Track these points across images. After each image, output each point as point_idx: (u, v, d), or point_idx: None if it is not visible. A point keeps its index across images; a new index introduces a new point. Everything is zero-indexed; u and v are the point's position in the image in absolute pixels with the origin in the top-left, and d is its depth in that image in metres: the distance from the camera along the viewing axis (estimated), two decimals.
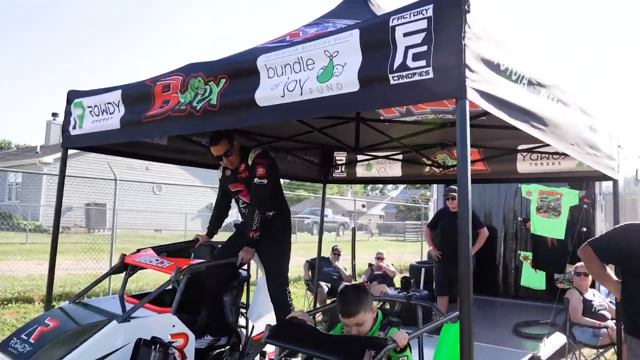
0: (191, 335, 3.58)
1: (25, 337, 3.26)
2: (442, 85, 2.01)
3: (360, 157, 6.05)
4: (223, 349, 4.18)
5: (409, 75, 2.07)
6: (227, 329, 4.32)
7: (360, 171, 6.12)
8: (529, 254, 8.22)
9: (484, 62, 2.13)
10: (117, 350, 3.14)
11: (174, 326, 3.46)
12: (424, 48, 2.05)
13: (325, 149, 6.17)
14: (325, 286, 8.30)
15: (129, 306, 3.61)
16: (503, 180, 5.53)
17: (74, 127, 3.88)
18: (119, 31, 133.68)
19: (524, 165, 5.02)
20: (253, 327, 4.38)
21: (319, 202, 32.70)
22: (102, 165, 11.32)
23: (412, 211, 43.63)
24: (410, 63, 2.07)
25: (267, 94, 2.55)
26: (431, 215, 9.19)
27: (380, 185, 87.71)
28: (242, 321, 4.48)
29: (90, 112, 3.74)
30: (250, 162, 4.25)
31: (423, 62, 2.04)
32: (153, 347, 3.18)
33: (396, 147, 5.15)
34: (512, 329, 6.72)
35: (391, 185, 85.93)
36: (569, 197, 7.54)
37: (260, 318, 4.45)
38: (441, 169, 5.51)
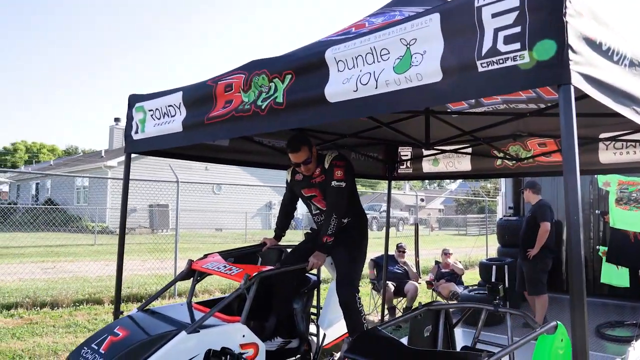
0: (261, 345, 3.44)
1: (96, 347, 3.20)
2: (541, 70, 1.76)
3: (426, 152, 5.78)
4: (294, 356, 4.04)
5: (501, 61, 1.84)
6: (298, 334, 4.17)
7: (427, 166, 5.84)
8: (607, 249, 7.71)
9: (586, 41, 1.88)
10: None
11: (243, 336, 3.33)
12: (517, 29, 1.81)
13: (390, 145, 5.93)
14: (391, 285, 8.08)
15: (197, 314, 3.51)
16: (584, 172, 5.15)
17: (136, 132, 3.82)
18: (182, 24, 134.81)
19: (607, 155, 4.64)
20: (324, 334, 4.22)
21: (377, 197, 32.47)
22: (163, 167, 11.48)
23: (472, 204, 42.67)
24: (501, 47, 1.84)
25: (338, 89, 2.36)
26: (500, 210, 8.79)
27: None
28: (312, 328, 4.31)
29: (152, 115, 3.66)
30: (327, 165, 4.06)
31: (517, 45, 1.80)
32: (223, 358, 3.07)
33: (465, 140, 4.86)
34: (594, 331, 6.29)
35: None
36: None
37: (331, 326, 4.27)
38: (514, 162, 5.17)
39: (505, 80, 1.84)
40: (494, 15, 1.86)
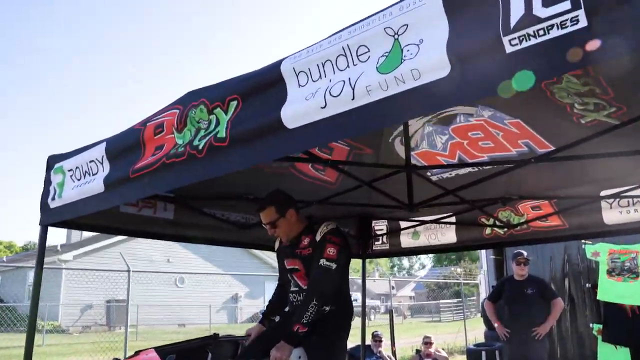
0: None
1: None
2: (609, 35, 1.15)
3: (404, 224, 5.13)
4: None
5: (541, 32, 1.22)
6: None
7: (406, 240, 5.15)
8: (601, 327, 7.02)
9: None
10: None
11: None
12: None
13: (362, 218, 5.28)
14: None
15: None
16: (588, 235, 4.56)
17: (53, 198, 3.07)
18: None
19: (612, 215, 4.05)
20: None
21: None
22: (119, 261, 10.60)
23: (444, 289, 41.81)
24: (539, 11, 1.22)
25: (299, 108, 1.71)
26: (483, 289, 8.11)
27: (407, 266, 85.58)
28: None
29: (71, 176, 2.94)
30: (318, 237, 3.32)
31: (565, 5, 1.19)
32: None
33: (450, 202, 4.23)
34: None
35: (418, 265, 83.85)
36: None
37: None
38: (506, 230, 4.55)
39: (550, 58, 1.21)
40: None
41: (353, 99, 1.55)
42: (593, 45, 1.16)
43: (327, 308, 3.30)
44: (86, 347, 14.68)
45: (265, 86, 1.84)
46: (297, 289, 3.42)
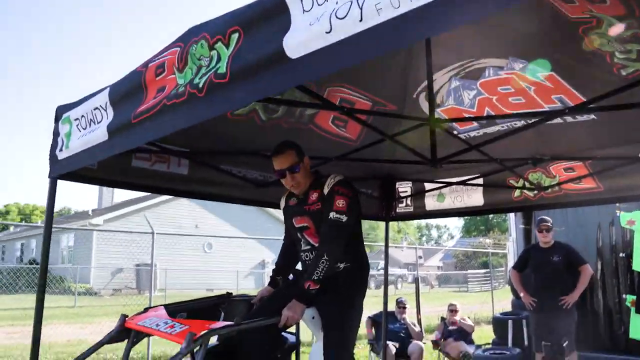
0: None
1: None
2: None
3: (428, 186, 4.94)
4: None
5: None
6: None
7: (431, 203, 4.96)
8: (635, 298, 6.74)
9: None
10: None
11: None
12: None
13: (385, 179, 5.10)
14: (392, 346, 7.08)
15: None
16: (624, 199, 4.30)
17: (61, 149, 2.96)
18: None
19: None
20: None
21: (374, 256, 31.51)
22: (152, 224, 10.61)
23: (472, 260, 41.48)
24: None
25: (302, 35, 1.53)
26: (511, 259, 7.89)
27: (436, 236, 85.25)
28: None
29: (77, 125, 2.82)
30: (326, 190, 3.15)
31: None
32: None
33: (476, 160, 4.01)
34: None
35: (446, 235, 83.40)
36: None
37: None
38: (535, 192, 4.32)
39: None
40: None
41: (361, 20, 1.36)
42: None
43: (342, 265, 3.16)
44: (116, 309, 14.93)
45: (267, 14, 1.66)
46: (309, 247, 3.27)
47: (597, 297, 7.49)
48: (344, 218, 3.04)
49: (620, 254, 7.25)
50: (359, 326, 3.27)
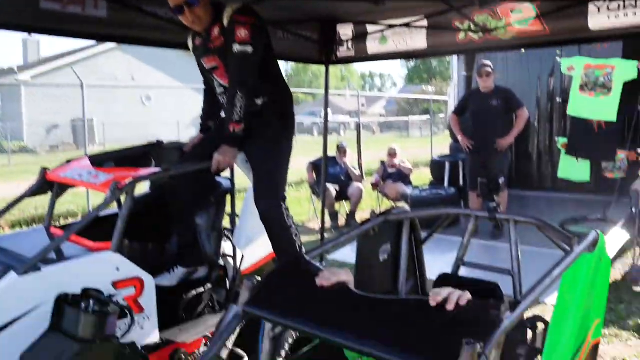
0: (149, 280, 2.47)
1: None
2: None
3: (371, 29, 4.70)
4: (203, 287, 3.06)
5: None
6: (206, 259, 3.15)
7: (373, 46, 4.74)
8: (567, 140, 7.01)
9: None
10: (19, 318, 2.03)
11: (118, 269, 2.33)
12: None
13: (325, 22, 4.81)
14: (333, 189, 7.28)
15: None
16: (568, 42, 4.21)
17: None
18: None
19: (598, 20, 3.67)
20: (242, 256, 3.27)
21: (318, 104, 31.47)
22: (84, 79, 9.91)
23: (413, 107, 42.06)
24: None
25: None
26: (452, 105, 7.95)
27: (379, 84, 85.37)
28: (228, 248, 3.30)
29: None
30: (226, 22, 2.87)
31: None
32: (84, 304, 2.07)
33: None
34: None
35: (390, 83, 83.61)
36: (624, 69, 6.19)
37: (251, 243, 3.38)
38: (481, 34, 4.17)
39: None
40: None
41: None
42: None
43: (259, 101, 3.00)
44: (54, 165, 14.55)
45: None
46: (222, 89, 3.08)
47: (532, 140, 7.76)
48: (249, 49, 2.82)
49: (557, 99, 7.41)
50: (288, 164, 3.18)
